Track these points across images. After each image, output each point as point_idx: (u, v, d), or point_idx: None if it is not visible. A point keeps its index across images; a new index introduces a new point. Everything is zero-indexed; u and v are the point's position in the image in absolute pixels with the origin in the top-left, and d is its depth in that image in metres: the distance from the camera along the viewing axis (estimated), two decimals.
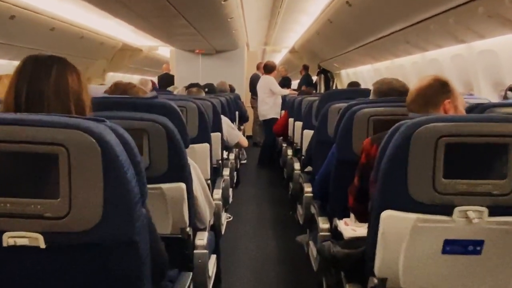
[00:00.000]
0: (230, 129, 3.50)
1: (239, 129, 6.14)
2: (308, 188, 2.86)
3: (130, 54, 11.32)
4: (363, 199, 1.54)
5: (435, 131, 1.18)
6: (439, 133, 1.18)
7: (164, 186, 1.54)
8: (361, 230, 1.74)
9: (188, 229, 1.66)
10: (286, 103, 5.78)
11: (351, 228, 1.83)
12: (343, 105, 2.21)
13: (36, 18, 5.73)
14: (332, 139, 2.16)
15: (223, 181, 3.06)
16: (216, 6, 4.59)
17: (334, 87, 9.87)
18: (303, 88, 8.82)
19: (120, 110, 1.57)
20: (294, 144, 4.32)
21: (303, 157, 3.53)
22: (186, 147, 1.61)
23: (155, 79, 8.45)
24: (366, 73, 7.43)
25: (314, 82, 9.63)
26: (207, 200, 1.88)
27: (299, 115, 4.18)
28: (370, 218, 1.34)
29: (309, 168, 3.19)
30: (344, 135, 1.92)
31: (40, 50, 6.96)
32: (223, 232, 2.97)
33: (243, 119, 6.51)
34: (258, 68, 8.16)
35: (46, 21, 6.03)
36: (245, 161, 6.99)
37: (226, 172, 3.39)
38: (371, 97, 2.16)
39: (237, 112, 5.86)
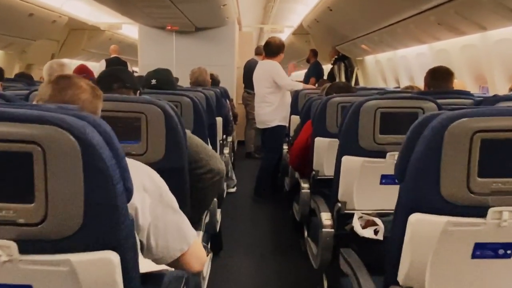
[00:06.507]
0: (160, 208, 1.08)
1: (222, 148, 3.71)
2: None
3: (89, 35, 8.93)
4: None
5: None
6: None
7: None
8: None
9: None
10: (305, 105, 3.36)
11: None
12: None
13: None
14: None
15: None
16: None
17: (354, 80, 7.47)
18: (312, 80, 6.46)
19: None
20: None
21: None
22: None
23: (101, 64, 6.01)
24: (415, 59, 4.99)
25: (330, 72, 7.24)
26: None
27: (352, 136, 1.80)
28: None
29: None
30: None
31: None
32: None
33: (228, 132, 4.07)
34: (257, 53, 5.87)
35: None
36: (234, 189, 4.65)
37: None
38: None
39: (219, 119, 3.45)
